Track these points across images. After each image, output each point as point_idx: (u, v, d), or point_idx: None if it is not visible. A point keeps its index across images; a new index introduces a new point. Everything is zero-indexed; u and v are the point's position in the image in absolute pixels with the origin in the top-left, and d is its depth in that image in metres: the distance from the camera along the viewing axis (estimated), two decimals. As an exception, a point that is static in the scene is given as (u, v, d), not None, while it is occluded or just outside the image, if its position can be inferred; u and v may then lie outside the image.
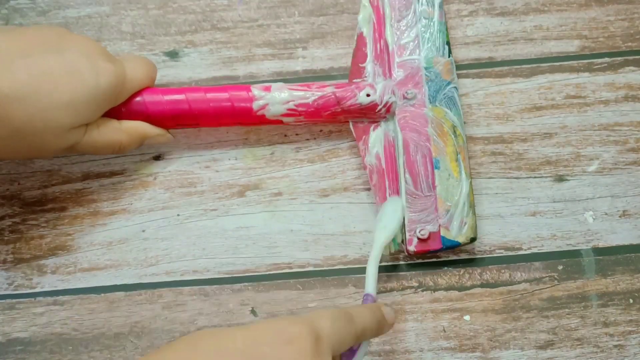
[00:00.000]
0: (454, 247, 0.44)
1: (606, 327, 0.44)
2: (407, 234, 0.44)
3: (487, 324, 0.44)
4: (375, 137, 0.46)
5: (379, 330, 0.38)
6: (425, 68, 0.46)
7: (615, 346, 0.44)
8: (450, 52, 0.47)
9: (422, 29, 0.47)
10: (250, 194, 0.47)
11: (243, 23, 0.52)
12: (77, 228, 0.47)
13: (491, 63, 0.50)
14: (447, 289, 0.45)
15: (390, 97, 0.45)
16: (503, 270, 0.45)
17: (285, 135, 0.49)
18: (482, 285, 0.45)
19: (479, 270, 0.45)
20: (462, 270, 0.45)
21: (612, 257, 0.46)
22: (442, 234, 0.44)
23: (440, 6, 0.48)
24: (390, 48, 0.47)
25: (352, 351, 0.37)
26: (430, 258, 0.46)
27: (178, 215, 0.47)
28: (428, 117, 0.45)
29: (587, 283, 0.45)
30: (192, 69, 0.50)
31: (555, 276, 0.45)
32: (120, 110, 0.44)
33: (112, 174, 0.48)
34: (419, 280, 0.45)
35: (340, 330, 0.33)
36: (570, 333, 0.44)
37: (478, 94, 0.49)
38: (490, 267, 0.46)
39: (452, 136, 0.45)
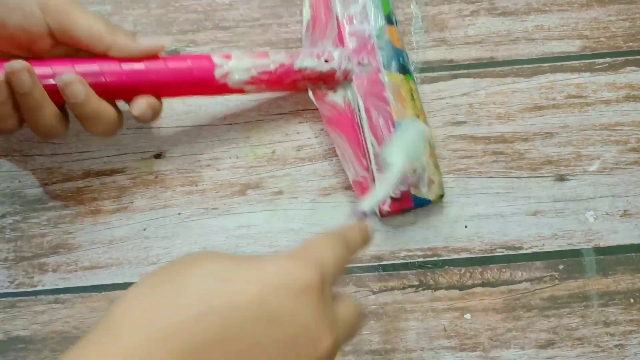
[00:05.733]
0: (425, 204, 0.45)
1: (607, 327, 0.44)
2: None
3: (488, 323, 0.44)
4: (336, 97, 0.47)
5: (363, 247, 0.36)
6: (377, 36, 0.47)
7: (616, 346, 0.44)
8: (397, 21, 0.49)
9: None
10: (252, 192, 0.47)
11: (245, 22, 0.52)
12: (78, 226, 0.47)
13: (492, 63, 0.50)
14: (447, 288, 0.45)
15: (347, 64, 0.46)
16: (504, 270, 0.45)
17: (287, 134, 0.49)
18: (482, 285, 0.45)
19: (479, 270, 0.45)
20: (463, 269, 0.45)
21: (613, 256, 0.46)
22: (412, 192, 0.45)
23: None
24: (340, 18, 0.48)
25: None
26: (425, 258, 0.46)
27: (179, 213, 0.47)
28: (385, 82, 0.46)
29: (588, 282, 0.45)
30: (194, 68, 0.50)
31: (556, 275, 0.45)
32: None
33: (113, 172, 0.48)
34: (420, 279, 0.45)
35: (340, 262, 0.32)
36: (571, 332, 0.44)
37: (479, 94, 0.49)
38: (491, 266, 0.46)
39: (410, 100, 0.46)
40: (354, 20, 0.48)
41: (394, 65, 0.47)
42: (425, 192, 0.45)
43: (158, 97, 0.44)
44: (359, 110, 0.46)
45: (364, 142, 0.46)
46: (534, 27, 0.51)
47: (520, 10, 0.51)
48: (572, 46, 0.50)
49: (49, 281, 0.46)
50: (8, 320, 0.45)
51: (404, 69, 0.47)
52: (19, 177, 0.48)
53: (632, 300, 0.45)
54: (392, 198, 0.45)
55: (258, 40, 0.51)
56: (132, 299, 0.27)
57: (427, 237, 0.46)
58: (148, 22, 0.52)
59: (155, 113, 0.43)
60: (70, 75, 0.40)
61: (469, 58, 0.50)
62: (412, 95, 0.46)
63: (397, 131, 0.45)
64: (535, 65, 0.50)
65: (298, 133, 0.49)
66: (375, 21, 0.48)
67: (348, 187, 0.47)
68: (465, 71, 0.50)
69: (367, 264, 0.46)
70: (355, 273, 0.46)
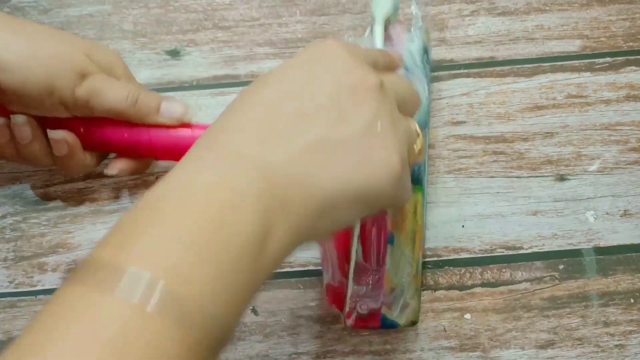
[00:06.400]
0: (393, 327, 0.42)
1: (607, 327, 0.44)
2: (347, 307, 0.42)
3: (488, 323, 0.44)
4: None
5: (389, 64, 0.40)
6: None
7: (616, 346, 0.44)
8: (427, 126, 0.46)
9: None
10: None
11: (244, 22, 0.52)
12: (78, 226, 0.47)
13: (492, 62, 0.50)
14: (447, 288, 0.45)
15: None
16: (504, 270, 0.45)
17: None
18: (482, 285, 0.45)
19: (479, 270, 0.45)
20: (463, 270, 0.45)
21: (613, 256, 0.46)
22: (383, 311, 0.42)
23: (428, 83, 0.46)
24: None
25: None
26: (430, 257, 0.46)
27: (179, 213, 0.47)
28: None
29: (588, 282, 0.45)
30: (194, 68, 0.50)
31: (556, 275, 0.45)
32: (79, 130, 0.43)
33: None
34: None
35: (363, 50, 0.36)
36: (571, 332, 0.44)
37: (479, 94, 0.49)
38: (491, 266, 0.46)
39: (412, 214, 0.43)
40: None
41: None
42: (395, 315, 0.42)
43: (157, 159, 0.45)
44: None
45: (349, 247, 0.42)
46: (534, 26, 0.51)
47: (520, 10, 0.51)
48: (572, 46, 0.50)
49: (49, 281, 0.46)
50: (8, 320, 0.45)
51: (416, 179, 0.44)
52: (20, 178, 0.48)
53: (632, 300, 0.45)
54: (358, 314, 0.42)
55: (258, 40, 0.51)
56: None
57: (427, 237, 0.46)
58: (148, 21, 0.52)
59: (135, 173, 0.45)
60: (58, 133, 0.42)
61: (469, 58, 0.50)
62: (415, 209, 0.43)
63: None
64: (536, 65, 0.50)
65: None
66: None
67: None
68: (465, 71, 0.50)
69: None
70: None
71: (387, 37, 0.46)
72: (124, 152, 0.43)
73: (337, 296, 0.42)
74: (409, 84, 0.37)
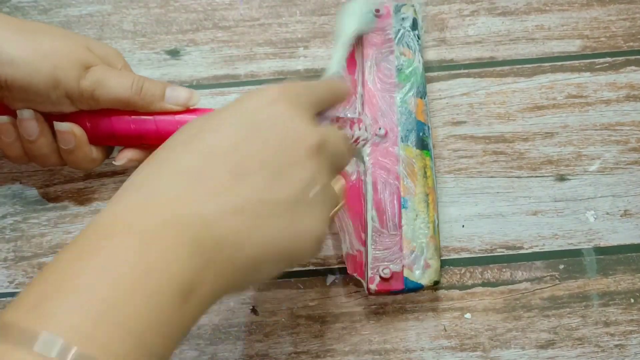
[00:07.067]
0: (416, 289, 0.43)
1: (607, 327, 0.44)
2: (370, 272, 0.43)
3: (488, 323, 0.44)
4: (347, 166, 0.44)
5: (338, 99, 0.40)
6: (400, 107, 0.46)
7: (616, 346, 0.43)
8: (425, 93, 0.47)
9: (399, 69, 0.47)
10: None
11: (244, 22, 0.52)
12: (78, 226, 0.47)
13: (493, 62, 0.50)
14: (448, 287, 0.45)
15: (362, 133, 0.44)
16: (504, 270, 0.45)
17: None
18: (483, 284, 0.45)
19: (480, 269, 0.45)
20: (463, 269, 0.45)
21: (613, 256, 0.46)
22: (405, 274, 0.42)
23: (420, 50, 0.48)
24: (366, 84, 0.46)
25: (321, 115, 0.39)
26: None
27: (179, 213, 0.47)
28: (399, 156, 0.45)
29: (588, 282, 0.45)
30: (194, 68, 0.50)
31: (557, 275, 0.45)
32: (84, 124, 0.42)
33: (114, 173, 0.48)
34: (420, 279, 0.45)
35: (310, 91, 0.36)
36: (571, 332, 0.44)
37: (479, 94, 0.49)
38: (491, 266, 0.45)
39: (422, 177, 0.44)
40: (378, 86, 0.46)
41: (412, 138, 0.45)
42: (418, 276, 0.42)
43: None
44: (366, 182, 0.44)
45: (365, 215, 0.44)
46: (534, 26, 0.51)
47: (521, 10, 0.51)
48: (573, 46, 0.50)
49: (49, 281, 0.46)
50: (8, 320, 0.45)
51: (422, 144, 0.45)
52: (20, 178, 0.48)
53: (632, 300, 0.45)
54: (381, 277, 0.42)
55: (258, 40, 0.51)
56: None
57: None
58: (147, 21, 0.52)
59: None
60: (65, 124, 0.42)
61: (469, 58, 0.50)
62: (425, 172, 0.45)
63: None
64: (536, 65, 0.50)
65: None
66: (401, 90, 0.46)
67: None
68: (466, 71, 0.50)
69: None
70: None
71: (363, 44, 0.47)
72: (130, 143, 0.43)
73: (357, 264, 0.44)
74: (345, 139, 0.37)
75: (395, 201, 0.44)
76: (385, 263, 0.42)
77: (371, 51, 0.47)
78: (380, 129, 0.45)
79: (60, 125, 0.42)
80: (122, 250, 0.27)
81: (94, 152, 0.43)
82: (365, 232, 0.43)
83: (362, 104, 0.46)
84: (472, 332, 0.44)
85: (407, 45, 0.48)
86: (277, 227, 0.31)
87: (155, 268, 0.26)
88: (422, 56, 0.47)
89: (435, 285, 0.43)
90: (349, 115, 0.45)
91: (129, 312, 0.25)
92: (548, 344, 0.44)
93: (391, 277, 0.42)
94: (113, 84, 0.41)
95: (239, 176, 0.31)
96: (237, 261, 0.30)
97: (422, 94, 0.46)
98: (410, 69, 0.47)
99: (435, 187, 0.45)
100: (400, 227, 0.43)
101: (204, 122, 0.32)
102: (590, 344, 0.44)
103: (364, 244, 0.43)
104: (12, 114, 0.41)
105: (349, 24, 0.46)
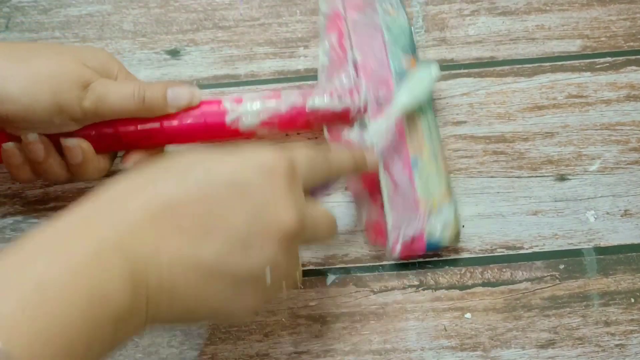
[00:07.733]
0: (438, 248, 0.43)
1: (607, 327, 0.44)
2: (391, 240, 0.43)
3: (488, 322, 0.44)
4: (352, 135, 0.45)
5: (355, 172, 0.41)
6: (394, 68, 0.45)
7: (617, 345, 0.43)
8: (415, 49, 0.46)
9: (386, 30, 0.46)
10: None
11: (244, 22, 0.52)
12: (79, 226, 0.47)
13: (493, 62, 0.50)
14: (448, 287, 0.45)
15: (362, 101, 0.44)
16: (504, 269, 0.45)
17: (287, 135, 0.49)
18: (483, 284, 0.45)
19: (480, 269, 0.45)
20: (464, 269, 0.45)
21: (613, 256, 0.46)
22: (426, 236, 0.43)
23: (401, 5, 0.47)
24: (357, 49, 0.45)
25: (322, 187, 0.39)
26: (425, 258, 0.45)
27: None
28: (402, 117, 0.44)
29: (589, 282, 0.45)
30: (194, 68, 0.50)
31: (557, 275, 0.45)
32: (89, 134, 0.42)
33: (115, 173, 0.48)
34: (420, 279, 0.45)
35: (315, 168, 0.36)
36: (572, 332, 0.44)
37: (480, 93, 0.49)
38: (491, 266, 0.45)
39: (428, 135, 0.44)
40: (373, 51, 0.45)
41: None
42: (439, 235, 0.43)
43: (172, 144, 0.45)
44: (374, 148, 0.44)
45: (378, 183, 0.44)
46: (534, 26, 0.51)
47: (521, 10, 0.51)
48: (573, 46, 0.50)
49: (49, 281, 0.46)
50: (8, 320, 0.45)
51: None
52: (19, 177, 0.48)
53: (632, 300, 0.45)
54: (403, 242, 0.43)
55: (258, 40, 0.51)
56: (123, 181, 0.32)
57: (427, 237, 0.46)
58: (147, 21, 0.52)
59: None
60: (72, 140, 0.42)
61: (469, 58, 0.50)
62: (430, 133, 0.45)
63: (413, 74, 0.44)
64: (536, 64, 0.50)
65: (299, 134, 0.49)
66: (394, 52, 0.45)
67: (348, 188, 0.47)
68: (466, 71, 0.50)
69: (367, 264, 0.46)
70: (355, 273, 0.46)
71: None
72: (137, 145, 0.43)
73: (379, 232, 0.44)
74: (330, 219, 0.37)
75: (405, 163, 0.43)
76: (405, 227, 0.43)
77: (355, 13, 0.46)
78: (379, 92, 0.44)
79: (68, 142, 0.42)
80: (65, 257, 0.28)
81: (101, 162, 0.44)
82: (381, 199, 0.44)
83: (356, 70, 0.45)
84: (473, 332, 0.44)
85: (390, 3, 0.47)
86: (220, 296, 0.32)
87: (93, 285, 0.27)
88: (405, 12, 0.47)
89: (456, 240, 0.44)
90: (344, 81, 0.45)
91: (59, 320, 0.26)
92: (548, 344, 0.44)
93: (412, 241, 0.43)
94: (115, 98, 0.41)
95: (206, 233, 0.31)
96: (172, 313, 0.31)
97: (413, 50, 0.46)
98: (395, 25, 0.46)
99: (440, 144, 0.45)
100: (414, 188, 0.43)
101: (197, 163, 0.32)
102: (591, 343, 0.44)
103: (381, 212, 0.44)
104: (17, 138, 0.41)
105: (410, 94, 0.43)
